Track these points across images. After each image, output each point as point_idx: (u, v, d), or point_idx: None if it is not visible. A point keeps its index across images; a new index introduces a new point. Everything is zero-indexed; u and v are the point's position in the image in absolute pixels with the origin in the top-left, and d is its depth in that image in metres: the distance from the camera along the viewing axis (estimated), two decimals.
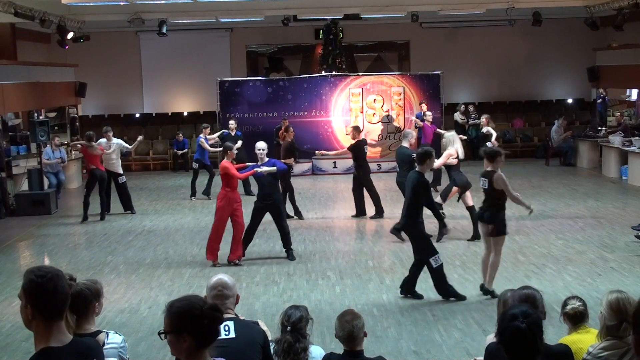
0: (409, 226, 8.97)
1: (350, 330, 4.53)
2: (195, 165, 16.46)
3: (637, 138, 17.04)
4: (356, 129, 14.01)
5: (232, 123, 16.73)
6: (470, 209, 11.69)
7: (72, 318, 4.00)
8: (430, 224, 10.70)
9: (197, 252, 11.60)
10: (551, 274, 9.76)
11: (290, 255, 10.89)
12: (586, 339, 4.43)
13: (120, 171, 14.93)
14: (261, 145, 10.68)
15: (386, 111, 19.99)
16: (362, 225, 13.43)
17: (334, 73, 20.73)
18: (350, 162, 19.60)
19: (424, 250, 8.83)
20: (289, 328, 4.59)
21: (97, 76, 22.34)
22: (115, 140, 14.81)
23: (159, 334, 3.10)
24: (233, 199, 10.50)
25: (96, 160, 14.35)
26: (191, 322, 3.03)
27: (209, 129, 16.51)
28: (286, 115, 19.41)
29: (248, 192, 15.66)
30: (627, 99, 22.28)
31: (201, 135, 16.14)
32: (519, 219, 13.28)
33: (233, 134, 16.38)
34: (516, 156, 21.83)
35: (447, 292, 8.82)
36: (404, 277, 9.12)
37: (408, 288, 8.98)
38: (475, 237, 11.50)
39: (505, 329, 3.17)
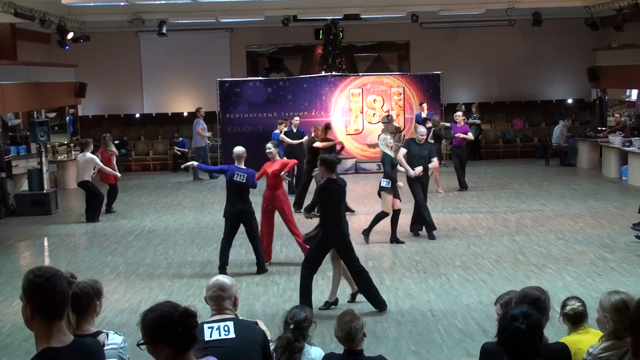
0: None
1: (348, 330, 4.54)
2: None
3: (637, 138, 17.04)
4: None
5: (296, 120, 16.77)
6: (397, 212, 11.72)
7: (73, 317, 4.00)
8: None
9: (197, 252, 11.61)
10: (551, 274, 9.76)
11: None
12: (586, 340, 4.42)
13: None
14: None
15: (386, 111, 19.96)
16: (362, 225, 13.41)
17: (334, 73, 20.73)
18: (350, 162, 19.73)
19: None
20: (292, 326, 4.59)
21: (97, 76, 22.34)
22: None
23: (138, 345, 3.13)
24: None
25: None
26: (165, 332, 3.05)
27: (283, 124, 16.60)
28: (287, 116, 19.42)
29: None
30: (627, 99, 22.28)
31: (277, 131, 16.27)
32: (518, 220, 13.31)
33: (295, 130, 16.36)
34: (516, 156, 21.86)
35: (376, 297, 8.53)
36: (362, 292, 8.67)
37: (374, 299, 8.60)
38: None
39: (505, 329, 3.15)
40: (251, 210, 10.16)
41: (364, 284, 8.48)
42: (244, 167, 10.07)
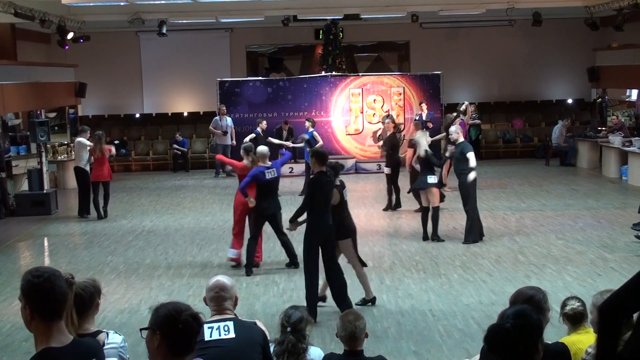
0: None
1: (352, 330, 4.53)
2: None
3: (637, 138, 17.04)
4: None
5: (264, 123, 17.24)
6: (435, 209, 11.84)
7: (76, 318, 3.99)
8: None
9: (197, 252, 11.61)
10: (551, 274, 9.76)
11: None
12: (585, 340, 4.42)
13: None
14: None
15: (386, 111, 19.94)
16: (362, 225, 13.42)
17: (334, 73, 20.72)
18: (350, 163, 19.67)
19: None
20: (289, 329, 4.58)
21: (97, 76, 22.33)
22: None
23: (140, 329, 3.15)
24: None
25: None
26: (165, 322, 3.06)
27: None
28: (287, 116, 19.42)
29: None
30: (627, 99, 22.27)
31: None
32: (518, 220, 13.31)
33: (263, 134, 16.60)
34: (516, 156, 21.86)
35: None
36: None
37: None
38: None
39: (491, 327, 2.95)
40: (280, 207, 10.42)
41: (339, 283, 8.35)
42: (269, 163, 10.18)
